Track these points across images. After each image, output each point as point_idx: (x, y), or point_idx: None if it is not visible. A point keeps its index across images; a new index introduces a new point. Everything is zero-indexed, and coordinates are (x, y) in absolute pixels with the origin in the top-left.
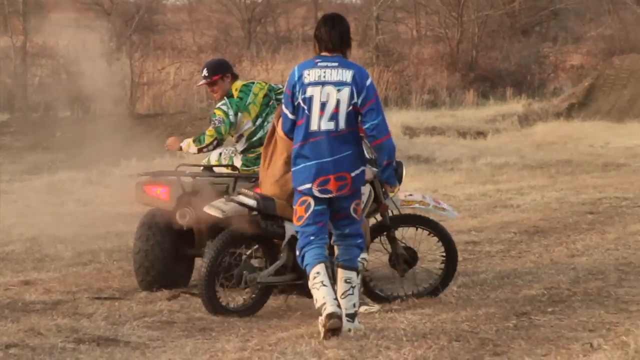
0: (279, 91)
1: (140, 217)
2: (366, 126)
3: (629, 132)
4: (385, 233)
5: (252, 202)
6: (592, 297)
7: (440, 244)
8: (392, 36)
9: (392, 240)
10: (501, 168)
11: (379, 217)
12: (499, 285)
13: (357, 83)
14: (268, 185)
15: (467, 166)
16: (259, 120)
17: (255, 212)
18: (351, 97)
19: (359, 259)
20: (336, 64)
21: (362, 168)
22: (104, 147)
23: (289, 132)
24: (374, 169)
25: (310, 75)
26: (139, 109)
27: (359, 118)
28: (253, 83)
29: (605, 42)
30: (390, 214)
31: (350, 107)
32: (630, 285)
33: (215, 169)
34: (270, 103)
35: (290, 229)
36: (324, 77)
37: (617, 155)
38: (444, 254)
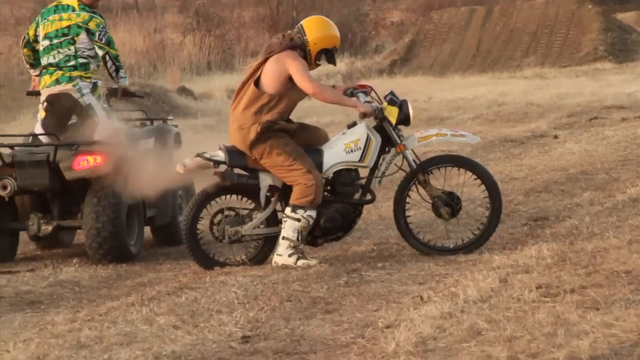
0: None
1: None
2: None
3: (451, 86)
4: (415, 180)
5: (220, 156)
6: None
7: (480, 183)
8: (212, 0)
9: (426, 184)
10: (327, 127)
11: (406, 167)
12: (329, 243)
13: None
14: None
15: None
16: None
17: (223, 166)
18: None
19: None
20: None
21: None
22: None
23: None
24: (375, 105)
25: None
26: None
27: None
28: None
29: None
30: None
31: None
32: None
33: (35, 139)
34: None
35: (266, 180)
36: None
37: (440, 109)
38: (487, 199)
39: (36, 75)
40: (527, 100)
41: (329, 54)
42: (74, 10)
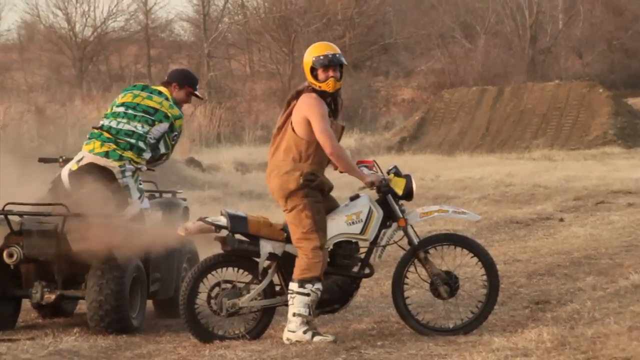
0: None
1: None
2: None
3: (459, 165)
4: (415, 257)
5: (222, 221)
6: None
7: (479, 264)
8: (224, 72)
9: (426, 262)
10: None
11: (406, 245)
12: (329, 319)
13: None
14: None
15: None
16: None
17: (225, 231)
18: None
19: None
20: None
21: None
22: None
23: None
24: (381, 175)
25: None
26: None
27: None
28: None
29: (435, 75)
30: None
31: None
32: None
33: (44, 208)
34: None
35: (266, 247)
36: None
37: (447, 188)
38: (484, 277)
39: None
40: (534, 182)
41: (319, 64)
42: (167, 99)
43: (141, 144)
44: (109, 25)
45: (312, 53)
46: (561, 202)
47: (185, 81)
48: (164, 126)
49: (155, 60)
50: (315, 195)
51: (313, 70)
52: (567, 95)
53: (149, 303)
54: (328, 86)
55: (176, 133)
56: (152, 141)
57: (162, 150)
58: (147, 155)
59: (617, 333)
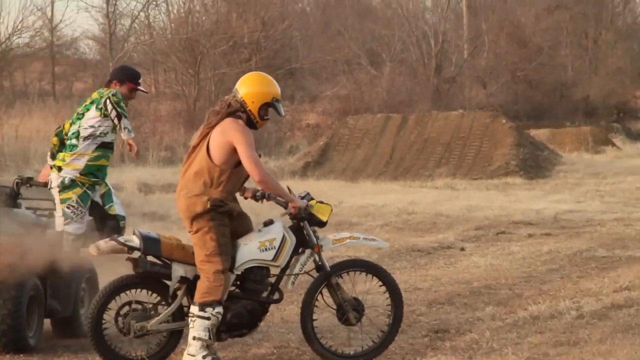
0: None
1: None
2: None
3: (362, 192)
4: (326, 282)
5: (134, 242)
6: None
7: (384, 289)
8: None
9: (337, 288)
10: None
11: (314, 272)
12: (228, 344)
13: None
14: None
15: None
16: None
17: (137, 252)
18: None
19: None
20: None
21: None
22: None
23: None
24: (305, 202)
25: None
26: None
27: None
28: None
29: (340, 101)
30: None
31: None
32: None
33: None
34: None
35: (178, 271)
36: None
37: (350, 214)
38: (388, 301)
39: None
40: (436, 210)
41: (272, 107)
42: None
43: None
44: (13, 41)
45: (275, 90)
46: (462, 232)
47: (125, 77)
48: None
49: (60, 77)
50: (222, 219)
51: (265, 105)
52: (470, 124)
53: (47, 323)
54: (260, 125)
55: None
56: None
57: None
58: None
59: None
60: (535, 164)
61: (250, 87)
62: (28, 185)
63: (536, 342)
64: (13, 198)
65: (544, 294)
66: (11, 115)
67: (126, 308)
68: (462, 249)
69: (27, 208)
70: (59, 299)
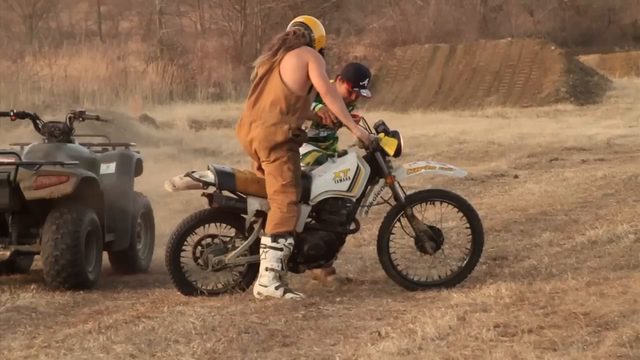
0: None
1: None
2: None
3: (413, 122)
4: (402, 213)
5: (209, 178)
6: (379, 286)
7: (463, 217)
8: (176, 30)
9: (412, 218)
10: None
11: (392, 201)
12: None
13: None
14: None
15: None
16: None
17: (212, 187)
18: None
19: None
20: None
21: None
22: None
23: None
24: (372, 136)
25: None
26: None
27: None
28: None
29: (387, 33)
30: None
31: None
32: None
33: None
34: None
35: (254, 204)
36: None
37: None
38: (468, 228)
39: None
40: (488, 139)
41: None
42: None
43: None
44: None
45: (324, 41)
46: (515, 159)
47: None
48: None
49: (105, 17)
50: (298, 151)
51: (321, 50)
52: (519, 52)
53: (105, 260)
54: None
55: None
56: None
57: None
58: None
59: (575, 288)
60: (585, 90)
61: (319, 29)
62: (80, 119)
63: (595, 266)
64: (66, 133)
65: (601, 218)
66: (59, 56)
67: (204, 242)
68: (516, 177)
69: (81, 144)
70: (115, 233)
